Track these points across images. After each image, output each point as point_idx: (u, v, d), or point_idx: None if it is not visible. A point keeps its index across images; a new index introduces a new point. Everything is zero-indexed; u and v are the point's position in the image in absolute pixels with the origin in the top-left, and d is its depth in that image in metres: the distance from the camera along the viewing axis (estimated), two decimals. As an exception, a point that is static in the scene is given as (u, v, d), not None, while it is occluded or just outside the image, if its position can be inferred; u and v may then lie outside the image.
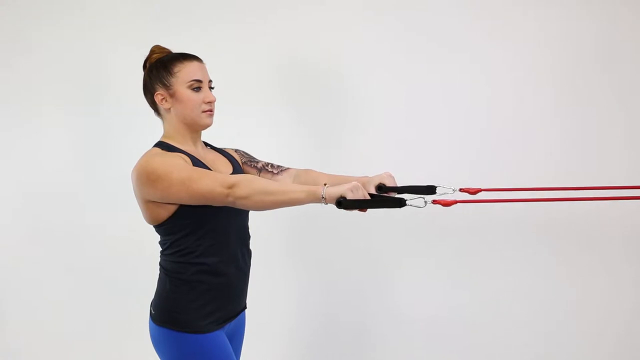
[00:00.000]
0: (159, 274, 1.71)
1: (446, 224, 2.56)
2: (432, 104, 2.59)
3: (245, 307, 1.82)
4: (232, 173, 1.74)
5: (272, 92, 2.66)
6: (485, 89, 2.57)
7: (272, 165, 1.88)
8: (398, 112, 2.60)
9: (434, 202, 1.48)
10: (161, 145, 1.68)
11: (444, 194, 1.66)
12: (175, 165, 1.56)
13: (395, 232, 2.63)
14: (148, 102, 1.74)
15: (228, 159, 1.81)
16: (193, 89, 1.66)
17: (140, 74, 1.77)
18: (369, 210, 1.55)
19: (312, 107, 2.65)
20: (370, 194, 1.48)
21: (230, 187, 1.49)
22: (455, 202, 1.47)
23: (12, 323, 2.80)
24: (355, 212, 1.57)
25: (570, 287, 2.61)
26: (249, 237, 1.78)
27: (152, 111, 1.77)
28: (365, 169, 2.58)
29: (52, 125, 2.73)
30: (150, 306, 1.71)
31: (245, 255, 1.75)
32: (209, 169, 1.66)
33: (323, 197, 1.44)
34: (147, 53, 1.76)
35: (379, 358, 2.71)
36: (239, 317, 1.78)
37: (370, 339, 2.72)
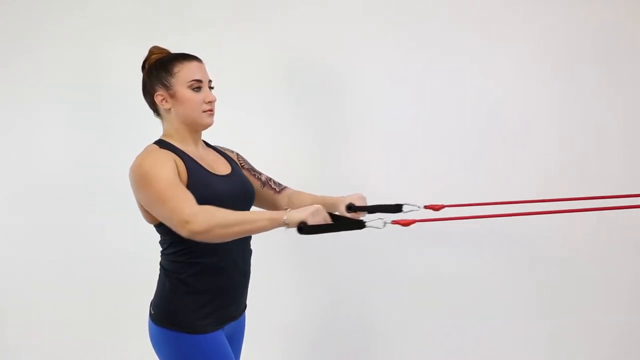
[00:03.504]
0: (159, 274, 1.71)
1: (451, 227, 2.57)
2: (433, 105, 2.60)
3: (245, 308, 1.82)
4: (230, 174, 1.74)
5: (272, 92, 2.66)
6: (485, 90, 2.58)
7: (274, 182, 1.91)
8: (399, 113, 2.61)
9: (393, 222, 1.49)
10: (159, 143, 1.68)
11: (410, 211, 1.73)
12: (160, 176, 1.53)
13: (398, 231, 2.63)
14: (148, 103, 1.74)
15: (227, 160, 1.81)
16: (193, 89, 1.66)
17: (140, 75, 1.77)
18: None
19: (314, 107, 2.65)
20: (331, 215, 1.48)
21: (186, 222, 1.45)
22: (414, 221, 1.50)
23: (12, 323, 2.80)
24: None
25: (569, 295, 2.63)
26: (250, 236, 1.78)
27: (152, 111, 1.77)
28: (365, 169, 2.60)
29: (51, 125, 2.73)
30: (150, 306, 1.71)
31: (246, 255, 1.75)
32: (207, 170, 1.66)
33: (285, 223, 1.45)
34: (146, 53, 1.76)
35: (380, 358, 2.71)
36: (238, 318, 1.78)
37: (371, 340, 2.72)
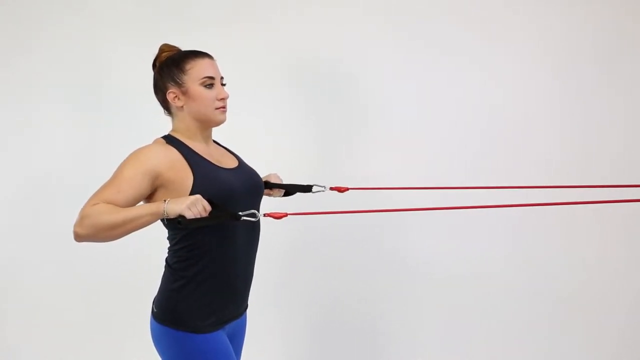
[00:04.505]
0: (164, 272, 1.71)
1: (455, 222, 2.58)
2: (434, 105, 2.61)
3: (246, 307, 1.82)
4: (238, 167, 1.75)
5: (272, 92, 2.66)
6: (485, 90, 2.59)
7: None
8: (399, 113, 2.62)
9: (266, 215, 1.59)
10: (167, 137, 1.68)
11: (317, 191, 1.90)
12: (126, 172, 1.54)
13: (400, 230, 2.63)
14: (159, 100, 1.73)
15: (234, 155, 1.82)
16: (206, 86, 1.66)
17: (140, 75, 1.78)
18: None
19: (314, 107, 2.66)
20: (212, 203, 1.53)
21: (76, 222, 1.49)
22: (286, 214, 1.58)
23: (12, 323, 2.79)
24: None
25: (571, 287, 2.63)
26: (258, 237, 1.77)
27: (153, 110, 1.76)
28: (366, 168, 2.60)
29: (51, 125, 2.73)
30: (153, 304, 1.71)
31: (253, 255, 1.76)
32: (214, 164, 1.66)
33: (165, 214, 1.50)
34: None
35: (382, 357, 2.71)
36: (240, 318, 1.78)
37: (373, 339, 2.72)
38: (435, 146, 2.61)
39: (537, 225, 2.59)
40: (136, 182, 1.54)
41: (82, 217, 1.49)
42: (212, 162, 1.67)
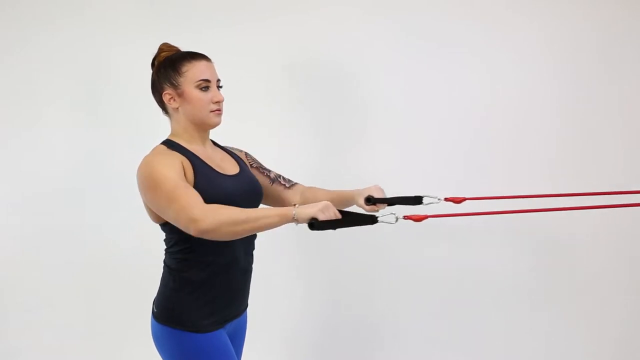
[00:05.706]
0: (163, 272, 1.72)
1: (453, 223, 2.57)
2: (442, 107, 2.60)
3: (247, 306, 1.82)
4: (239, 173, 1.75)
5: (272, 93, 2.66)
6: (492, 92, 2.58)
7: (283, 178, 1.91)
8: (408, 115, 2.62)
9: (405, 217, 1.50)
10: (167, 143, 1.68)
11: (430, 203, 1.70)
12: (167, 177, 1.53)
13: (402, 229, 2.62)
14: (156, 101, 1.73)
15: (235, 160, 1.81)
16: (201, 89, 1.66)
17: (140, 75, 1.78)
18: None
19: (321, 110, 2.66)
20: (341, 211, 1.50)
21: (194, 221, 1.47)
22: (426, 217, 1.49)
23: (13, 323, 2.79)
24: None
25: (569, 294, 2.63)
26: (255, 235, 1.77)
27: (153, 111, 1.76)
28: (373, 172, 2.59)
29: (52, 125, 2.73)
30: (153, 304, 1.71)
31: (249, 253, 1.76)
32: (216, 170, 1.67)
33: (294, 219, 1.47)
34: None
35: (383, 358, 2.71)
36: (240, 316, 1.78)
37: (375, 338, 2.72)
38: (443, 149, 2.60)
39: (537, 224, 2.58)
40: (183, 180, 1.55)
41: (201, 213, 1.46)
42: (213, 167, 1.67)
